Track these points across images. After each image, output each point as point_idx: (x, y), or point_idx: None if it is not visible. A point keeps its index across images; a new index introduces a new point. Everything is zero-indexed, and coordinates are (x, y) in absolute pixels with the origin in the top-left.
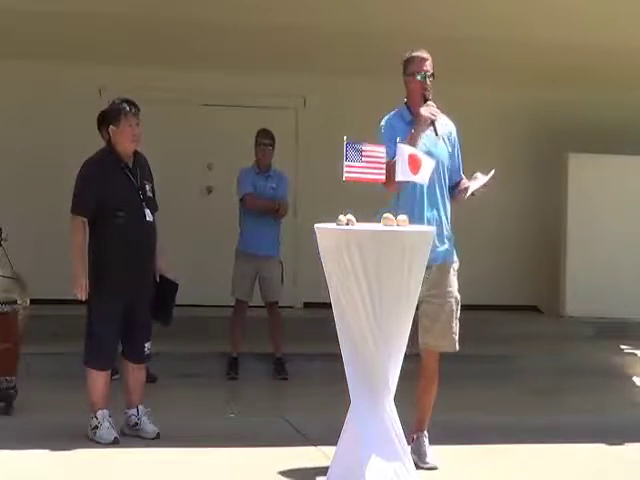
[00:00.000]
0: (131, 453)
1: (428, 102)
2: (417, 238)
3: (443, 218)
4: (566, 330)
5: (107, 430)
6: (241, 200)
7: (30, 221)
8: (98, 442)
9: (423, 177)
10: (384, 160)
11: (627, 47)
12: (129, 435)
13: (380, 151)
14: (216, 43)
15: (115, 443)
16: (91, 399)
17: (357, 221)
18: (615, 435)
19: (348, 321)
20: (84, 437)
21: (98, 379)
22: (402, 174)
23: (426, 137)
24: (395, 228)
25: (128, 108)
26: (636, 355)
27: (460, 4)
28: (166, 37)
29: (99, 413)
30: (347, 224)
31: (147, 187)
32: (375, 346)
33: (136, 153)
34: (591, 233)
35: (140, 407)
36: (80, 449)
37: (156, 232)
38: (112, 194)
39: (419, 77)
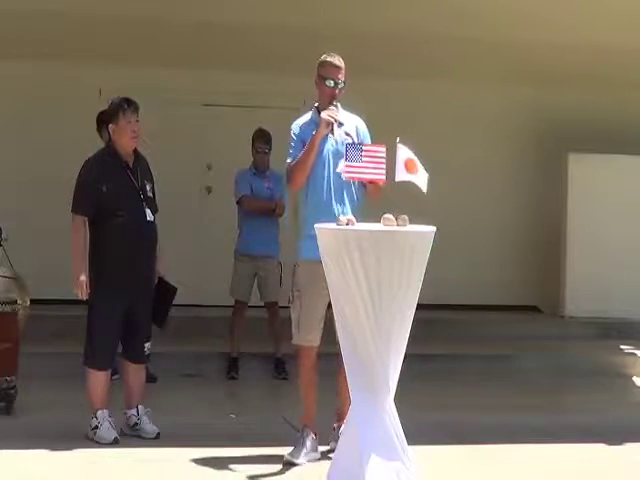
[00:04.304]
0: (131, 453)
1: (332, 104)
2: (417, 238)
3: (349, 212)
4: (566, 330)
5: (107, 430)
6: (238, 202)
7: (30, 221)
8: (98, 442)
9: (421, 182)
10: (384, 160)
11: (627, 47)
12: (129, 435)
13: (380, 151)
14: (216, 43)
15: (115, 443)
16: (91, 399)
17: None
18: (615, 435)
19: (348, 321)
20: (84, 437)
21: (98, 379)
22: (399, 175)
23: (332, 138)
24: (395, 228)
25: (126, 105)
26: (636, 355)
27: (460, 4)
28: (166, 37)
29: (99, 413)
30: (347, 224)
31: (147, 187)
32: (375, 346)
33: (137, 154)
34: (591, 233)
35: (140, 407)
36: (80, 449)
37: (157, 232)
38: (112, 193)
39: (328, 83)
